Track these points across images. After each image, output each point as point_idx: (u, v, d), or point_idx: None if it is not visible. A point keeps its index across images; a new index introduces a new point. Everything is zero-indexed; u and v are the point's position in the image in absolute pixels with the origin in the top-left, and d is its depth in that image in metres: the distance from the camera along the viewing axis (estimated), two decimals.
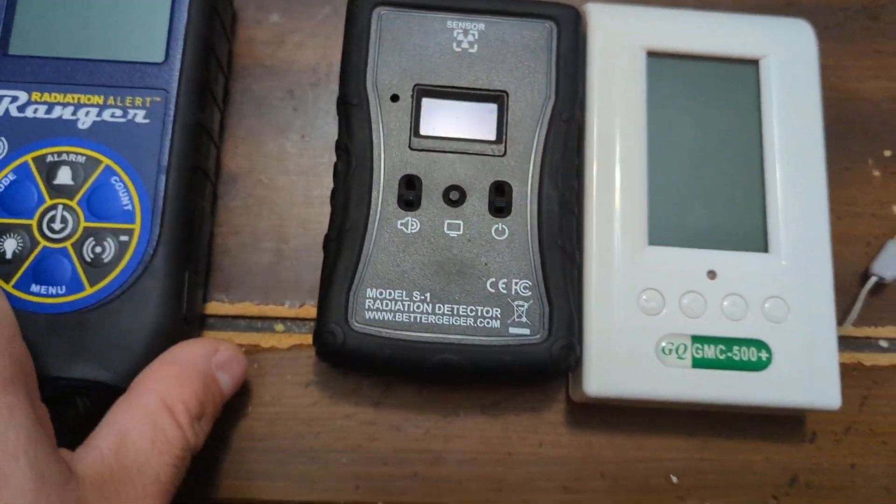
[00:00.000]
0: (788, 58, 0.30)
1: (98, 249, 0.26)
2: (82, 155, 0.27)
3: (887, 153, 0.33)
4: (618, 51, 0.30)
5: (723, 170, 0.29)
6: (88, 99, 0.27)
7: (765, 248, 0.29)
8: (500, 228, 0.27)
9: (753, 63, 0.30)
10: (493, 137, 0.28)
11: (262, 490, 0.28)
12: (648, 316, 0.28)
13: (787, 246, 0.29)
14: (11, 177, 0.27)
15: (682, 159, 0.30)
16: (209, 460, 0.27)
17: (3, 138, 0.27)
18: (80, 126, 0.27)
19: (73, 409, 0.26)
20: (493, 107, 0.28)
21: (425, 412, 0.29)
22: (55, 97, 0.27)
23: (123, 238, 0.26)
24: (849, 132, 0.33)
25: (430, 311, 0.26)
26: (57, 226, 0.27)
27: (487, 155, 0.28)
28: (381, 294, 0.26)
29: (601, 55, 0.30)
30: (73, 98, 0.27)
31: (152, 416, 0.23)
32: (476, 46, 0.29)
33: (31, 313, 0.26)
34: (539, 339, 0.26)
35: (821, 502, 0.29)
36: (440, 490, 0.28)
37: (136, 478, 0.21)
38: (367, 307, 0.26)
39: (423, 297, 0.26)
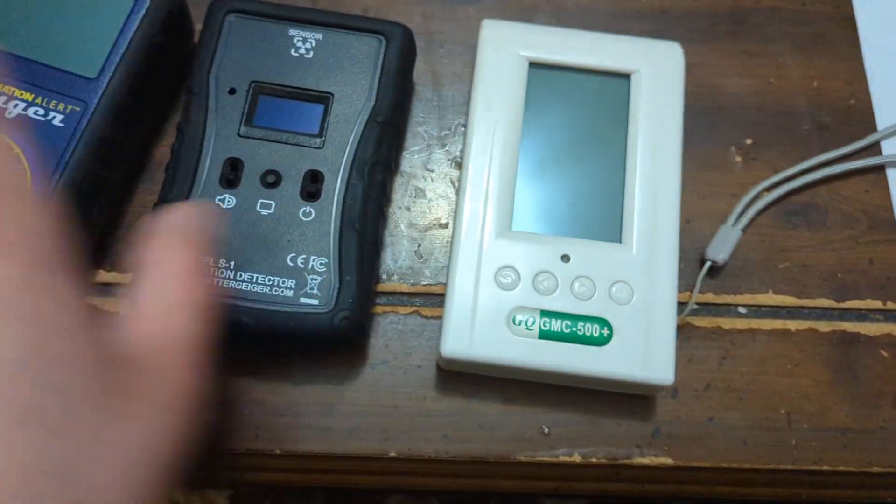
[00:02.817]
0: (657, 72, 0.33)
1: None
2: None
3: (748, 141, 0.35)
4: (503, 60, 0.33)
5: (589, 168, 0.32)
6: (21, 94, 0.30)
7: (619, 239, 0.31)
8: (307, 211, 0.30)
9: (626, 76, 0.33)
10: (315, 132, 0.31)
11: None
12: (504, 290, 0.30)
13: (639, 237, 0.31)
14: None
15: (552, 157, 0.32)
16: None
17: None
18: (7, 115, 0.29)
19: None
20: (320, 106, 0.31)
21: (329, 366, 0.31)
22: None
23: None
24: (716, 121, 0.36)
25: (231, 277, 0.28)
26: None
27: (308, 146, 0.30)
28: None
29: (488, 63, 0.33)
30: (8, 90, 0.30)
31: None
32: (312, 53, 0.32)
33: None
34: (324, 311, 0.28)
35: (681, 451, 0.30)
36: (334, 438, 0.30)
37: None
38: None
39: (227, 265, 0.29)
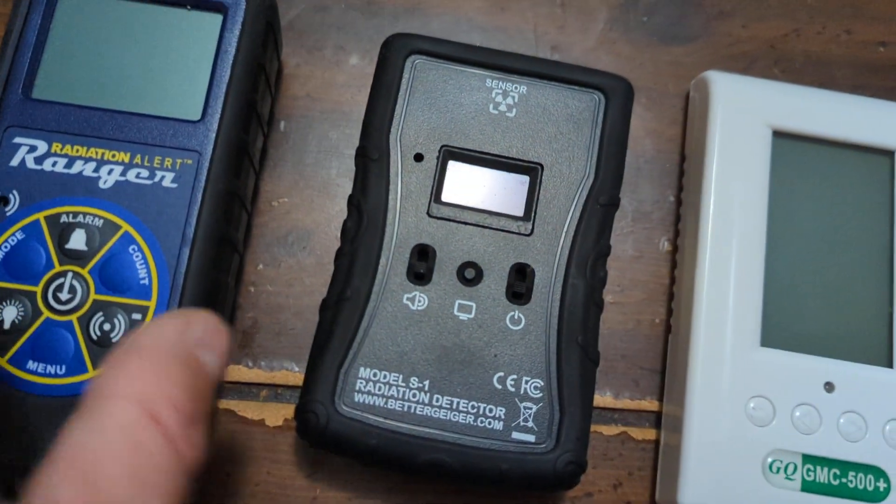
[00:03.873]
0: None
1: (107, 326, 0.23)
2: (100, 217, 0.24)
3: None
4: (741, 126, 0.27)
5: (847, 269, 0.26)
6: (113, 155, 0.24)
7: (889, 363, 0.25)
8: (516, 317, 0.24)
9: (888, 154, 0.27)
10: (520, 213, 0.25)
11: None
12: (756, 426, 0.24)
13: None
14: (20, 236, 0.23)
15: (804, 253, 0.26)
16: None
17: (15, 192, 0.24)
18: (102, 185, 0.24)
19: None
20: (525, 179, 0.25)
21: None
22: (77, 150, 0.24)
23: (136, 316, 0.23)
24: None
25: (426, 401, 0.23)
26: (64, 296, 0.23)
27: (512, 232, 0.24)
28: (374, 375, 0.23)
29: (722, 129, 0.27)
30: (96, 153, 0.24)
31: (130, 435, 0.15)
32: (514, 111, 0.25)
33: (24, 393, 0.22)
34: (544, 450, 0.23)
35: None
36: None
37: None
38: (357, 388, 0.23)
39: (420, 385, 0.23)
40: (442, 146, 0.25)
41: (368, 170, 0.25)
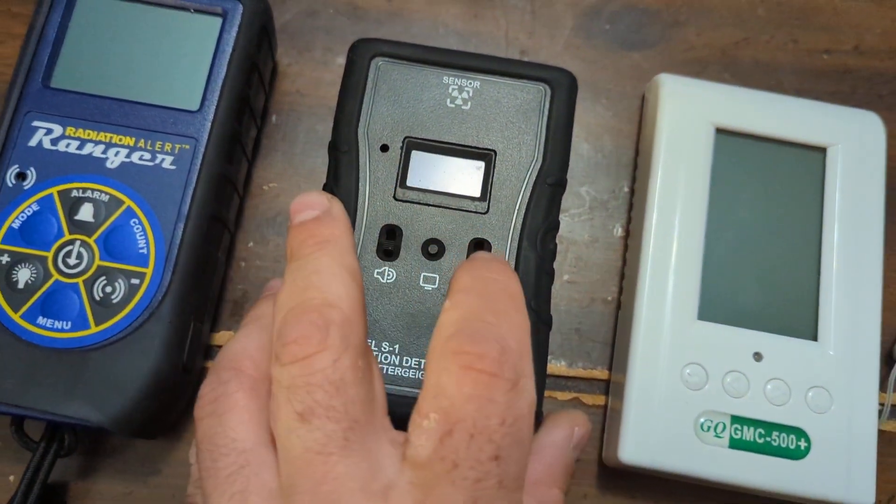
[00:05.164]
0: (856, 148, 0.30)
1: (108, 289, 0.26)
2: (107, 194, 0.27)
3: None
4: (687, 123, 0.30)
5: (779, 253, 0.29)
6: (120, 139, 0.27)
7: (814, 336, 0.28)
8: None
9: (821, 150, 0.30)
10: (477, 194, 0.27)
11: None
12: (690, 390, 0.27)
13: (837, 336, 0.28)
14: (35, 207, 0.26)
15: (740, 237, 0.29)
16: None
17: (32, 168, 0.27)
18: (109, 165, 0.27)
19: (58, 445, 0.25)
20: (481, 164, 0.28)
21: None
22: (88, 134, 0.27)
23: (135, 281, 0.26)
24: None
25: (397, 363, 0.25)
26: (72, 261, 0.26)
27: (470, 211, 0.27)
28: None
29: (670, 125, 0.30)
30: (105, 136, 0.27)
31: None
32: (469, 104, 0.28)
33: (33, 345, 0.25)
34: None
35: None
36: None
37: None
38: None
39: (392, 349, 0.25)
40: (405, 137, 0.28)
41: (339, 161, 0.27)
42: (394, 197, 0.27)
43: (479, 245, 0.27)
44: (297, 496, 0.17)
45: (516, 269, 0.26)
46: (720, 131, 0.30)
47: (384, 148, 0.27)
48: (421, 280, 0.26)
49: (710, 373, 0.27)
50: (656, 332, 0.27)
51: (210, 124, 0.27)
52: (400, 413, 0.24)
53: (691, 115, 0.30)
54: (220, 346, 0.29)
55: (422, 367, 0.25)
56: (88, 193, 0.27)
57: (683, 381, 0.27)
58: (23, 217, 0.26)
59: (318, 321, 0.18)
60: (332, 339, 0.18)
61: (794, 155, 0.30)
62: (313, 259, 0.20)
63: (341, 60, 0.33)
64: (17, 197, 0.26)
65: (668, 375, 0.27)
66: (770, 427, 0.26)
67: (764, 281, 0.28)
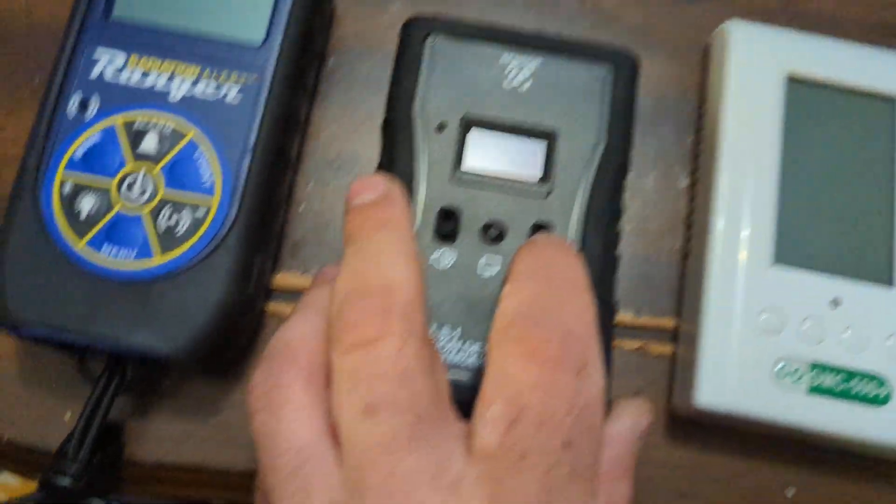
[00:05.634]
0: None
1: (173, 220, 0.25)
2: (170, 124, 0.26)
3: None
4: (757, 71, 0.29)
5: (853, 200, 0.28)
6: (184, 70, 0.26)
7: (890, 282, 0.27)
8: None
9: (890, 101, 0.29)
10: (538, 177, 0.26)
11: None
12: (767, 336, 0.26)
13: None
14: (98, 137, 0.26)
15: (814, 183, 0.28)
16: None
17: (95, 98, 0.26)
18: (172, 96, 0.26)
19: (121, 377, 0.25)
20: (542, 145, 0.27)
21: None
22: (151, 64, 0.26)
23: (200, 212, 0.25)
24: None
25: (458, 349, 0.24)
26: (136, 191, 0.25)
27: (531, 194, 0.26)
28: None
29: (739, 74, 0.29)
30: (168, 67, 0.26)
31: None
32: (528, 84, 0.27)
33: (98, 275, 0.24)
34: None
35: None
36: None
37: None
38: None
39: (452, 335, 0.24)
40: (462, 117, 0.27)
41: (394, 140, 0.26)
42: (451, 178, 0.26)
43: (540, 229, 0.26)
44: (365, 492, 0.16)
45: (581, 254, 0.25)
46: (792, 79, 0.29)
47: (440, 128, 0.27)
48: (481, 264, 0.25)
49: (787, 318, 0.26)
50: (731, 278, 0.27)
51: (275, 58, 0.27)
52: (462, 401, 0.23)
53: (761, 62, 0.29)
54: (280, 290, 0.28)
55: (484, 353, 0.24)
56: (152, 124, 0.26)
57: (759, 326, 0.26)
58: (85, 146, 0.26)
59: (380, 305, 0.18)
60: (395, 325, 0.17)
61: (865, 103, 0.29)
62: (373, 242, 0.19)
63: (398, 6, 0.32)
64: (79, 126, 0.26)
65: (744, 321, 0.26)
66: (849, 374, 0.26)
67: (839, 226, 0.28)
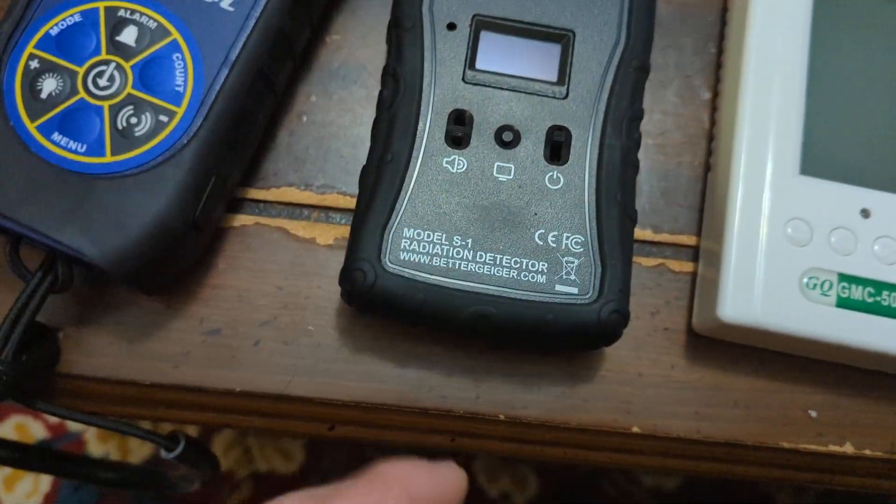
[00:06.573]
0: None
1: (133, 120, 0.23)
2: (155, 20, 0.24)
3: None
4: None
5: (884, 109, 0.27)
6: None
7: None
8: (554, 177, 0.24)
9: None
10: (554, 78, 0.25)
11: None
12: (794, 247, 0.25)
13: None
14: (77, 18, 0.23)
15: (842, 92, 0.27)
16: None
17: None
18: None
19: (51, 275, 0.23)
20: (557, 46, 0.25)
21: None
22: None
23: (163, 118, 0.23)
24: None
25: (470, 258, 0.23)
26: (103, 82, 0.23)
27: (547, 96, 0.25)
28: (418, 235, 0.23)
29: None
30: None
31: None
32: None
33: (43, 161, 0.22)
34: (588, 300, 0.23)
35: None
36: (568, 408, 0.25)
37: None
38: (402, 247, 0.23)
39: (463, 243, 0.23)
40: (474, 15, 0.25)
41: (402, 39, 0.25)
42: (463, 79, 0.25)
43: (557, 132, 0.24)
44: None
45: (599, 159, 0.24)
46: None
47: (451, 26, 0.25)
48: (494, 170, 0.24)
49: (815, 229, 0.25)
50: (756, 189, 0.25)
51: None
52: (474, 310, 0.22)
53: None
54: (283, 203, 0.26)
55: (497, 262, 0.23)
56: (136, 16, 0.24)
57: (786, 236, 0.25)
58: (62, 25, 0.23)
59: None
60: None
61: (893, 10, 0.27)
62: None
63: None
64: (60, 3, 0.23)
65: (770, 232, 0.25)
66: (880, 286, 0.25)
67: (869, 136, 0.26)
